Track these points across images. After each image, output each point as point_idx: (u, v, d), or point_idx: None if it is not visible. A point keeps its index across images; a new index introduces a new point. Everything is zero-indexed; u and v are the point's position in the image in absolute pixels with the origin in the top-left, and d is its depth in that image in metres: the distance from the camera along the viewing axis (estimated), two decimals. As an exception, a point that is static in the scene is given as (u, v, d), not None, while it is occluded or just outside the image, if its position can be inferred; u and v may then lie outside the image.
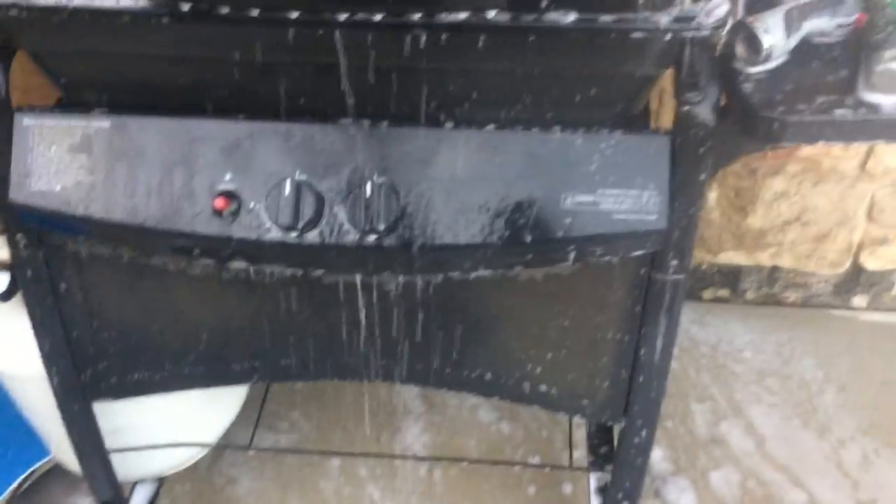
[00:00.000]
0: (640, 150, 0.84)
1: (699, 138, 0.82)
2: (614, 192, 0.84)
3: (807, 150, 1.54)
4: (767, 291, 1.81)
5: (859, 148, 1.54)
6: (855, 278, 1.77)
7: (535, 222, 0.85)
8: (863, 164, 1.57)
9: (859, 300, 1.81)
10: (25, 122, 0.89)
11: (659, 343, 0.96)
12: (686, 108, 0.81)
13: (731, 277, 1.80)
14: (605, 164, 0.84)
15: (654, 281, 0.91)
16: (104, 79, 0.88)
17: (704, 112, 0.81)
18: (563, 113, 0.85)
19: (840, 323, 1.80)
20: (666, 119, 1.05)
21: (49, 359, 1.05)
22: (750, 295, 1.82)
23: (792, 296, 1.81)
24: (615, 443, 1.41)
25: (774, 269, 1.76)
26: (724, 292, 1.83)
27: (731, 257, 1.73)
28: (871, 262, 1.72)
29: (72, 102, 0.92)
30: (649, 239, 0.86)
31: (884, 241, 1.68)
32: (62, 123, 0.89)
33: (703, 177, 0.84)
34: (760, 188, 1.60)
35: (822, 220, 1.64)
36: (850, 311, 1.82)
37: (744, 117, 0.80)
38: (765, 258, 1.72)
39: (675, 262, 0.89)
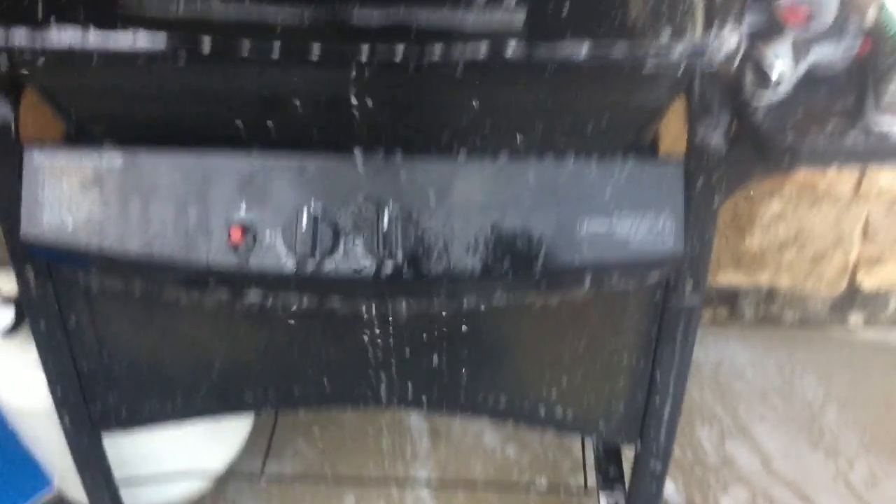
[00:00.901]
0: (654, 178, 0.85)
1: (712, 165, 0.83)
2: (629, 220, 0.85)
3: (802, 173, 1.56)
4: (765, 311, 1.82)
5: (854, 170, 1.56)
6: (851, 298, 1.78)
7: (551, 250, 0.85)
8: (857, 186, 1.59)
9: (856, 319, 1.83)
10: (36, 158, 0.89)
11: (674, 367, 0.97)
12: (698, 136, 0.82)
13: (730, 298, 1.81)
14: (619, 192, 0.85)
15: (670, 306, 0.92)
16: (116, 115, 0.88)
17: (716, 140, 0.82)
18: (577, 141, 0.86)
19: (838, 342, 1.81)
20: (670, 143, 1.06)
21: (58, 392, 1.04)
22: (748, 315, 1.83)
23: (790, 315, 1.82)
24: (623, 463, 1.41)
25: (772, 289, 1.78)
26: (722, 313, 1.84)
27: (730, 278, 1.74)
28: (867, 282, 1.74)
29: (80, 137, 0.91)
30: (664, 265, 0.86)
31: (879, 260, 1.70)
32: (73, 159, 0.88)
33: (716, 203, 0.85)
34: (757, 210, 1.61)
35: (819, 240, 1.65)
36: (847, 330, 1.84)
37: (756, 144, 0.81)
38: (763, 279, 1.73)
39: (689, 288, 0.90)
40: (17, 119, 0.87)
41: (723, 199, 0.87)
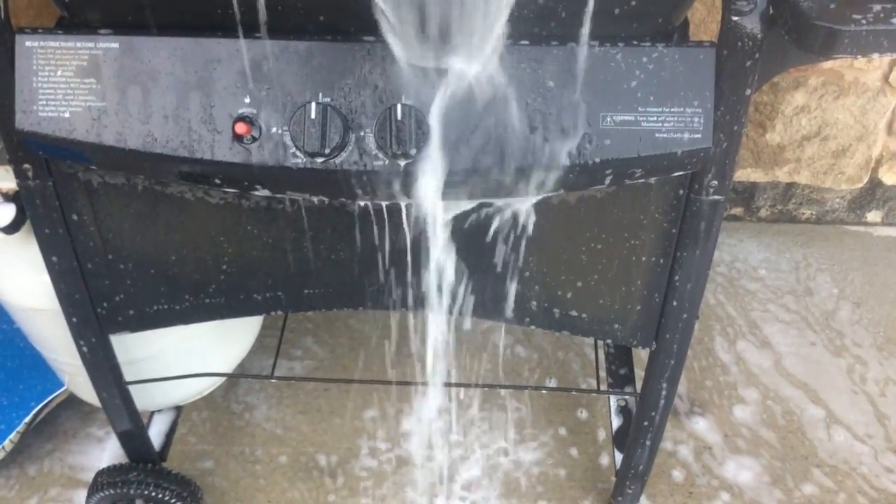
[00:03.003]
0: (683, 65, 0.79)
1: (746, 51, 0.78)
2: (656, 110, 0.80)
3: (830, 63, 1.50)
4: (782, 208, 1.78)
5: (883, 60, 1.49)
6: (871, 194, 1.75)
7: (573, 143, 0.81)
8: (886, 77, 1.52)
9: (873, 215, 1.79)
10: (28, 44, 0.84)
11: (694, 267, 0.94)
12: (734, 18, 0.76)
13: (746, 195, 1.77)
14: (646, 81, 0.80)
15: (693, 202, 0.88)
16: (112, -2, 0.83)
17: (753, 23, 0.77)
18: (601, 27, 0.80)
19: (854, 239, 1.79)
20: (692, 31, 1.00)
21: (63, 292, 1.02)
22: (764, 212, 1.80)
23: (806, 212, 1.79)
24: (634, 364, 1.41)
25: (790, 185, 1.74)
26: (737, 210, 1.80)
27: (749, 175, 1.70)
28: (888, 177, 1.70)
29: (75, 23, 0.86)
30: (692, 158, 0.82)
31: (903, 155, 1.66)
32: (67, 45, 0.83)
33: (748, 91, 0.80)
34: (781, 103, 1.55)
35: (842, 134, 1.60)
36: (863, 227, 1.81)
37: (795, 27, 0.75)
38: (782, 175, 1.69)
39: (715, 183, 0.86)
40: (6, 3, 0.81)
41: (755, 89, 0.82)
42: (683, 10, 0.83)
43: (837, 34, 0.73)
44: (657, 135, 0.81)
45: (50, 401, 1.39)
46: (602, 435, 1.44)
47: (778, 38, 0.78)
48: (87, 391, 1.23)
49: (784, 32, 0.76)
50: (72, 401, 1.44)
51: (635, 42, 0.80)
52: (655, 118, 0.80)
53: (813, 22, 0.73)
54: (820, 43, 0.74)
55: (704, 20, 1.43)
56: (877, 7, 0.74)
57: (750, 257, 1.74)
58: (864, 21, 0.73)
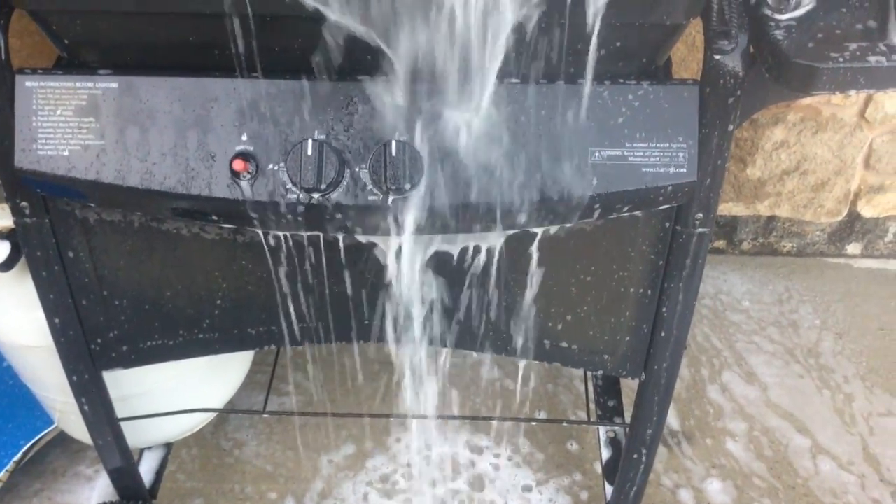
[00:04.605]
0: (668, 102, 0.82)
1: (728, 88, 0.81)
2: (642, 146, 0.83)
3: (808, 99, 1.54)
4: (763, 241, 1.81)
5: (859, 96, 1.54)
6: (850, 226, 1.78)
7: (562, 178, 0.83)
8: (862, 112, 1.57)
9: (853, 248, 1.83)
10: (28, 84, 0.85)
11: (681, 297, 0.96)
12: (716, 57, 0.79)
13: (728, 228, 1.80)
14: (632, 117, 0.83)
15: (679, 234, 0.91)
16: (111, 37, 0.85)
17: (734, 61, 0.80)
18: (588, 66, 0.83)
19: (835, 271, 1.82)
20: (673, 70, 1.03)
21: (57, 329, 1.02)
22: (746, 245, 1.83)
23: (788, 245, 1.82)
24: (622, 395, 1.42)
25: (771, 218, 1.77)
26: (720, 243, 1.83)
27: (730, 208, 1.73)
28: (867, 210, 1.73)
29: (74, 63, 0.88)
30: (677, 192, 0.85)
31: (880, 188, 1.69)
32: (67, 85, 0.85)
33: (731, 127, 0.83)
34: (760, 138, 1.59)
35: (821, 169, 1.64)
36: (844, 259, 1.84)
37: (775, 65, 0.78)
38: (763, 208, 1.72)
39: (700, 215, 0.88)
40: (6, 42, 0.83)
41: (737, 125, 0.85)
42: (666, 50, 0.86)
43: (816, 72, 0.76)
44: (644, 169, 0.83)
45: (39, 439, 1.38)
46: (595, 467, 1.45)
47: (759, 76, 0.81)
48: (78, 428, 1.23)
49: (765, 70, 0.79)
50: (60, 439, 1.44)
51: (621, 80, 0.83)
52: (642, 153, 0.83)
53: (793, 60, 0.76)
54: (799, 80, 0.76)
55: (685, 59, 1.47)
56: (853, 46, 0.77)
57: (734, 290, 1.76)
58: (841, 59, 0.76)
